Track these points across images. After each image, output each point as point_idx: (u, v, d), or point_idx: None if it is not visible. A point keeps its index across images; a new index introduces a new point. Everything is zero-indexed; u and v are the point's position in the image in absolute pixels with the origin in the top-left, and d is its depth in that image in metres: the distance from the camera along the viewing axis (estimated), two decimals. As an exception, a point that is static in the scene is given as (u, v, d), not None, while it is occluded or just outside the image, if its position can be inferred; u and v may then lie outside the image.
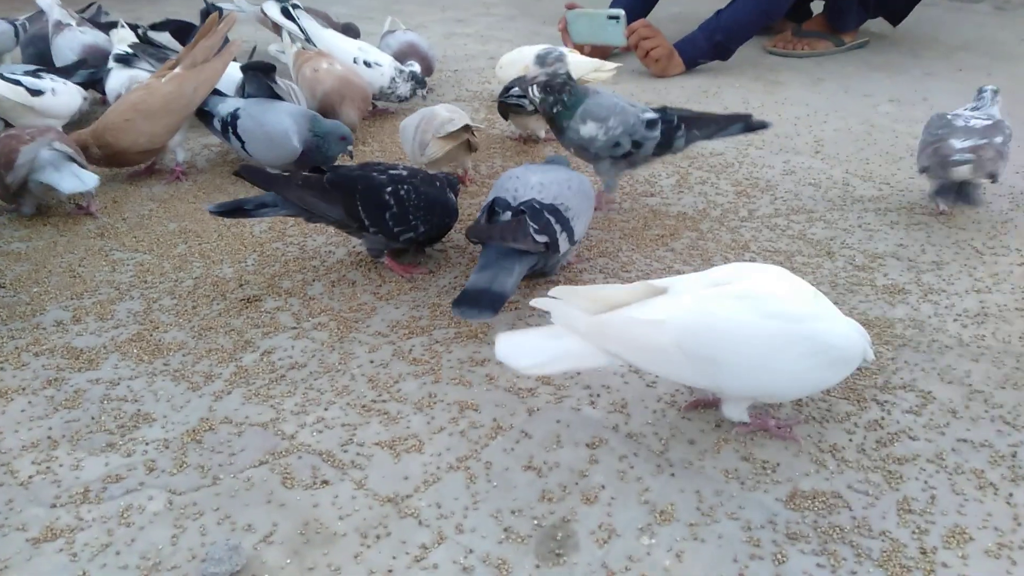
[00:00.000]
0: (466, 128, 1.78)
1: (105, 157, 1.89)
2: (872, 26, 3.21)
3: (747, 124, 1.68)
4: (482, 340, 1.30)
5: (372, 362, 1.25)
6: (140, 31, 2.68)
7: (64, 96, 2.15)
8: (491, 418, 1.11)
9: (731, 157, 2.10)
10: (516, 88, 2.09)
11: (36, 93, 2.08)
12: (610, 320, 0.95)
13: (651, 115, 1.65)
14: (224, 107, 1.92)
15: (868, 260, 1.52)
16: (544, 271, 1.45)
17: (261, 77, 1.91)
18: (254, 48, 2.87)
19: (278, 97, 1.97)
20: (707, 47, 2.92)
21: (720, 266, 1.04)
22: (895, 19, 3.16)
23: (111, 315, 1.38)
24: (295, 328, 1.35)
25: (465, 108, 2.33)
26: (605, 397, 1.14)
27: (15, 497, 0.98)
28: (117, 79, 2.21)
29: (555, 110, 1.61)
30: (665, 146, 1.65)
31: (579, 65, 2.50)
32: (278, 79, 2.00)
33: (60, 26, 2.56)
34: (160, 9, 4.15)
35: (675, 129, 1.64)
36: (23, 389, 1.18)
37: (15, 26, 2.86)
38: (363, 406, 1.14)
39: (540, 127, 2.21)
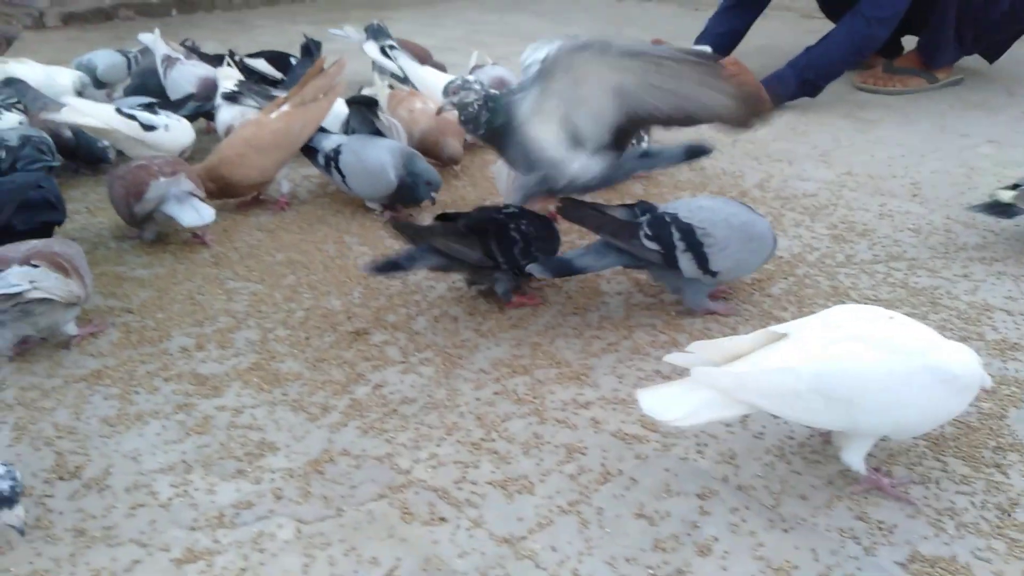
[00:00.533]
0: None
1: (218, 189, 2.00)
2: (966, 62, 3.14)
3: (687, 150, 1.64)
4: (584, 382, 1.33)
5: (478, 399, 1.29)
6: (237, 59, 2.84)
7: (176, 132, 2.28)
8: (599, 463, 1.13)
9: (825, 199, 2.08)
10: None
11: (149, 128, 2.22)
12: (745, 372, 1.00)
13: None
14: (328, 143, 2.02)
15: (976, 312, 1.49)
16: (684, 302, 1.49)
17: (365, 111, 1.99)
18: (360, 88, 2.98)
19: (379, 132, 2.05)
20: (795, 84, 2.91)
21: (831, 308, 1.09)
22: (992, 56, 3.08)
23: (231, 343, 1.46)
24: (403, 362, 1.40)
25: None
26: (713, 447, 1.15)
27: (157, 518, 1.05)
28: (227, 114, 2.34)
29: (482, 131, 1.49)
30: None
31: None
32: (381, 114, 2.08)
33: (171, 60, 2.71)
34: (253, 38, 4.35)
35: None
36: (156, 413, 1.26)
37: (128, 58, 3.05)
38: (473, 444, 1.18)
39: None
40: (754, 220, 1.46)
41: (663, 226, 1.38)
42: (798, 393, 0.97)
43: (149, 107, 2.41)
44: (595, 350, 1.42)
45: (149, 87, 2.75)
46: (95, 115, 2.09)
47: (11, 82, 2.43)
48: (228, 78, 2.54)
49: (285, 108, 2.04)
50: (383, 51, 2.49)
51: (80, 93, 2.79)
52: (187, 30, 4.76)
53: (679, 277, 1.43)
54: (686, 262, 1.38)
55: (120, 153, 2.30)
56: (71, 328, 1.43)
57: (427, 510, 1.05)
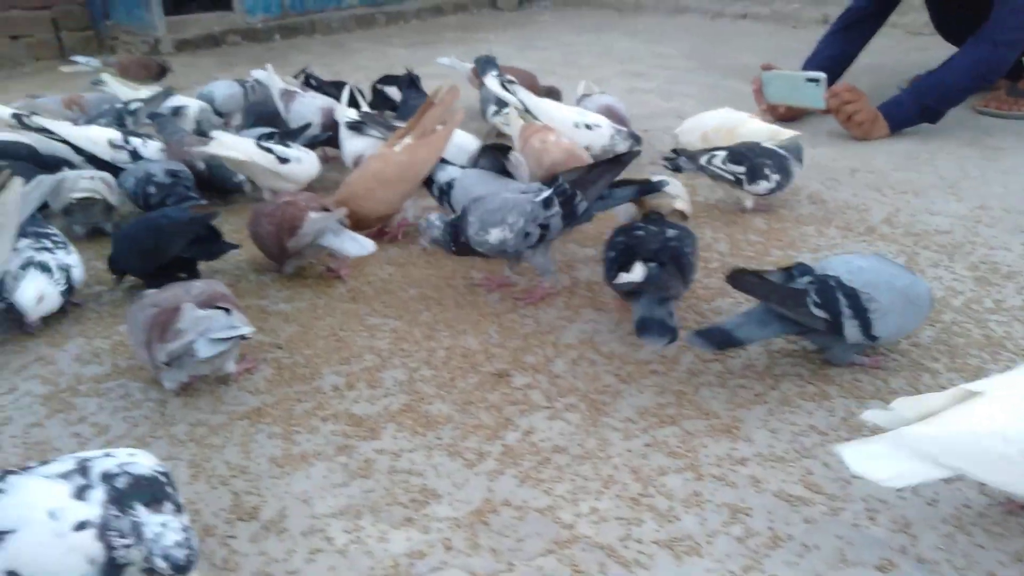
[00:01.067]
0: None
1: (348, 222, 2.06)
2: (1102, 85, 2.97)
3: (640, 187, 1.74)
4: (736, 436, 1.31)
5: (630, 451, 1.29)
6: (353, 86, 2.92)
7: (306, 164, 2.38)
8: (766, 525, 1.11)
9: (960, 236, 2.01)
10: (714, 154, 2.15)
11: (284, 161, 2.32)
12: (952, 436, 0.98)
13: (545, 194, 1.70)
14: (443, 175, 2.05)
15: None
16: (828, 358, 1.46)
17: (497, 156, 2.02)
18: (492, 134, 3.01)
19: (507, 172, 2.08)
20: (915, 111, 2.81)
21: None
22: None
23: (380, 383, 1.50)
24: (548, 408, 1.41)
25: (661, 173, 2.36)
26: (885, 513, 1.12)
27: (336, 565, 1.09)
28: (355, 145, 2.41)
29: (454, 248, 1.76)
30: (570, 218, 1.70)
31: (757, 131, 2.49)
32: (512, 155, 2.10)
33: (289, 94, 2.80)
34: (353, 61, 4.46)
35: (572, 198, 1.68)
36: (319, 454, 1.31)
37: (244, 87, 3.18)
38: (632, 499, 1.18)
39: (747, 197, 2.21)
40: (914, 282, 1.42)
41: (829, 292, 1.35)
42: (1010, 459, 0.93)
43: (270, 137, 2.52)
44: (742, 401, 1.40)
45: (265, 118, 2.87)
46: (239, 149, 2.20)
47: (155, 116, 2.58)
48: (346, 108, 2.60)
49: (407, 140, 2.09)
50: (503, 85, 2.52)
51: (199, 123, 2.93)
52: (291, 54, 4.95)
53: (839, 341, 1.39)
54: (852, 328, 1.35)
55: (254, 185, 2.40)
56: (231, 365, 1.50)
57: (597, 568, 1.06)
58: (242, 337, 1.39)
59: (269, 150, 2.30)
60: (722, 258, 1.96)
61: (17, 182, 1.72)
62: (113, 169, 2.36)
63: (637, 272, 1.47)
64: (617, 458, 1.27)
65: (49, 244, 1.69)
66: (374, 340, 1.65)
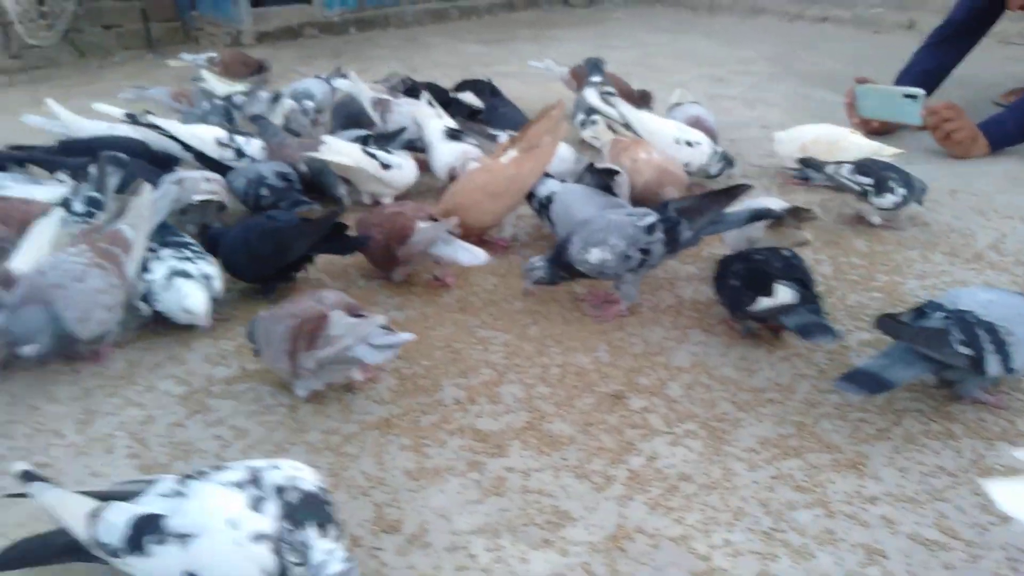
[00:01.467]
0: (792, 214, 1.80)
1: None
2: None
3: (753, 213, 1.71)
4: (863, 472, 1.32)
5: (756, 483, 1.31)
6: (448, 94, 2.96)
7: (406, 170, 2.43)
8: (905, 570, 1.13)
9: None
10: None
11: (387, 167, 2.37)
12: None
13: (650, 219, 1.71)
14: (544, 188, 2.08)
15: None
16: (958, 391, 1.46)
17: (604, 177, 2.04)
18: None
19: (609, 189, 2.09)
20: (1017, 130, 2.75)
21: None
22: None
23: (499, 399, 1.54)
24: (668, 433, 1.44)
25: (754, 184, 2.36)
26: (1027, 564, 1.12)
27: (482, 584, 1.13)
28: (449, 153, 2.45)
29: (558, 279, 1.80)
30: (673, 245, 1.72)
31: (859, 147, 2.46)
32: (617, 178, 2.11)
33: (384, 104, 2.83)
34: (429, 56, 4.46)
35: (676, 226, 1.69)
36: (451, 469, 1.36)
37: (328, 83, 3.24)
38: (764, 533, 1.20)
39: (872, 212, 2.20)
40: None
41: (970, 328, 1.34)
42: None
43: (366, 140, 2.58)
44: (865, 436, 1.40)
45: (353, 118, 2.92)
46: (348, 155, 2.26)
47: (255, 118, 2.66)
48: (438, 116, 2.62)
49: (514, 153, 2.12)
50: (603, 98, 2.53)
51: (288, 119, 3.00)
52: (366, 48, 5.02)
53: (975, 376, 1.39)
54: (993, 363, 1.34)
55: (351, 188, 2.46)
56: (356, 373, 1.55)
57: (741, 603, 1.08)
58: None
59: (373, 155, 2.36)
60: (826, 281, 1.95)
61: (147, 190, 1.80)
62: (219, 166, 2.45)
63: (785, 294, 1.50)
64: (744, 489, 1.29)
65: (189, 254, 1.76)
66: (488, 354, 1.69)
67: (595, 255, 1.70)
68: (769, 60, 4.39)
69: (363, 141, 2.55)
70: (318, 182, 2.47)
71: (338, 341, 1.39)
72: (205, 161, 2.49)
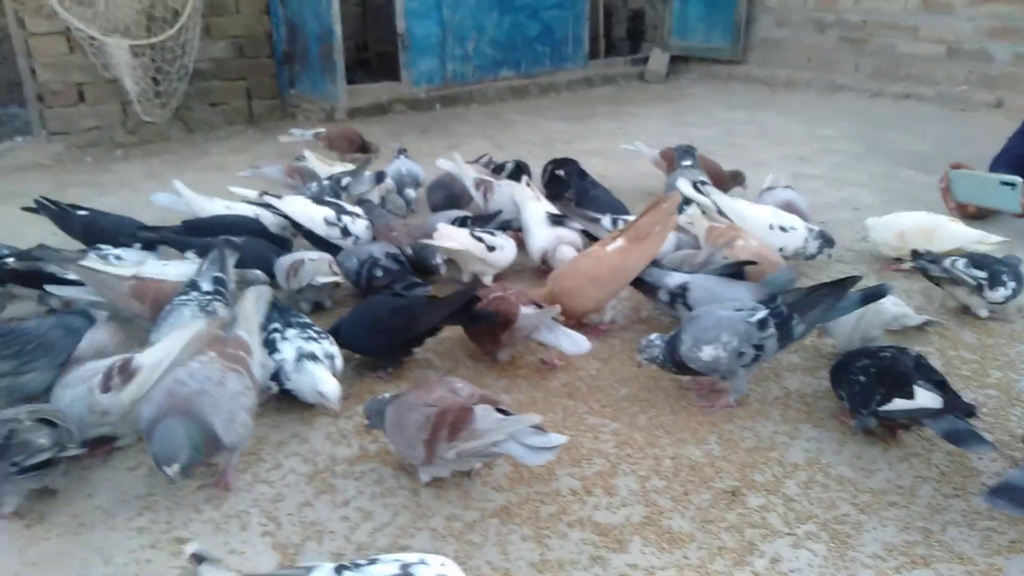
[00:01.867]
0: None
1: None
2: None
3: (863, 295, 1.72)
4: (1000, 587, 1.28)
5: (887, 592, 1.29)
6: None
7: (508, 250, 2.52)
8: None
9: None
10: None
11: (491, 249, 2.47)
12: None
13: (761, 315, 1.72)
14: (670, 280, 2.10)
15: None
16: None
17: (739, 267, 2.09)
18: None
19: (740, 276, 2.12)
20: None
21: None
22: None
23: (614, 490, 1.57)
24: (790, 535, 1.43)
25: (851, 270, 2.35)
26: None
27: None
28: (543, 238, 2.53)
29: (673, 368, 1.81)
30: (786, 340, 1.75)
31: (960, 235, 2.44)
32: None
33: (487, 184, 2.93)
34: (513, 133, 4.57)
35: (788, 320, 1.71)
36: (575, 563, 1.38)
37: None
38: (902, 648, 1.18)
39: (981, 305, 2.18)
40: None
41: None
42: None
43: (464, 222, 2.68)
44: (997, 547, 1.37)
45: (451, 200, 3.04)
46: (457, 239, 2.36)
47: (362, 201, 2.81)
48: (534, 199, 2.71)
49: (620, 242, 2.18)
50: (695, 187, 2.59)
51: (383, 197, 3.15)
52: (451, 124, 5.23)
53: None
54: None
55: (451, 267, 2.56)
56: (477, 463, 1.60)
57: None
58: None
59: (480, 239, 2.45)
60: (937, 376, 1.92)
61: (250, 296, 1.83)
62: (326, 245, 2.58)
63: (927, 397, 1.50)
64: (876, 600, 1.27)
65: (313, 334, 1.87)
66: (599, 443, 1.72)
67: (707, 353, 1.73)
68: (851, 139, 4.40)
69: (462, 222, 2.67)
70: (420, 261, 2.57)
71: (484, 435, 1.43)
72: (313, 239, 2.63)
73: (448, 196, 3.09)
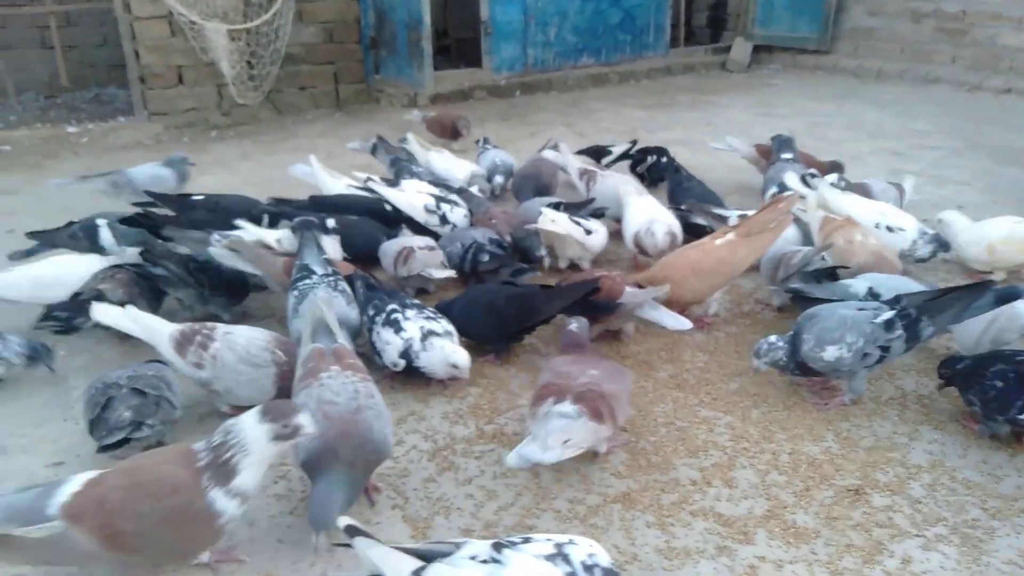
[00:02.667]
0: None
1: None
2: None
3: (997, 296, 1.66)
4: None
5: (1026, 600, 1.27)
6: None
7: (601, 235, 2.53)
8: None
9: None
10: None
11: (588, 233, 2.48)
12: None
13: (887, 315, 1.67)
14: (860, 283, 2.02)
15: None
16: None
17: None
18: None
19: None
20: None
21: None
22: None
23: (734, 482, 1.58)
24: (919, 536, 1.42)
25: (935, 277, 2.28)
26: None
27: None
28: (637, 219, 2.53)
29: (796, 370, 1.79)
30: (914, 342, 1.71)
31: None
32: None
33: (590, 174, 2.95)
34: (595, 122, 4.54)
35: (916, 322, 1.67)
36: (702, 552, 1.40)
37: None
38: (1047, 657, 1.17)
39: None
40: None
41: None
42: None
43: (555, 207, 2.70)
44: None
45: (540, 189, 3.06)
46: (561, 224, 2.39)
47: (461, 191, 2.86)
48: (635, 192, 2.71)
49: (730, 237, 2.17)
50: (803, 180, 2.55)
51: (468, 185, 3.18)
52: (532, 111, 5.24)
53: None
54: None
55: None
56: (602, 445, 1.63)
57: None
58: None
59: (578, 223, 2.47)
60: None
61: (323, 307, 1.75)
62: (424, 230, 2.64)
63: None
64: (1015, 606, 1.26)
65: (429, 314, 1.93)
66: (714, 435, 1.73)
67: (831, 353, 1.71)
68: (949, 134, 4.25)
69: (555, 208, 2.69)
70: (520, 247, 2.61)
71: None
72: (412, 224, 2.69)
73: (537, 185, 3.11)
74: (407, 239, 2.42)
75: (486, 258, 2.35)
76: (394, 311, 1.93)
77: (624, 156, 3.45)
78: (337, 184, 2.85)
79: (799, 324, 1.79)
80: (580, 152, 3.51)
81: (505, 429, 1.77)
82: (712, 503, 1.52)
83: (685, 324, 1.98)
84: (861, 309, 1.76)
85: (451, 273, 2.31)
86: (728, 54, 6.54)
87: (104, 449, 1.63)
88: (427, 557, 1.16)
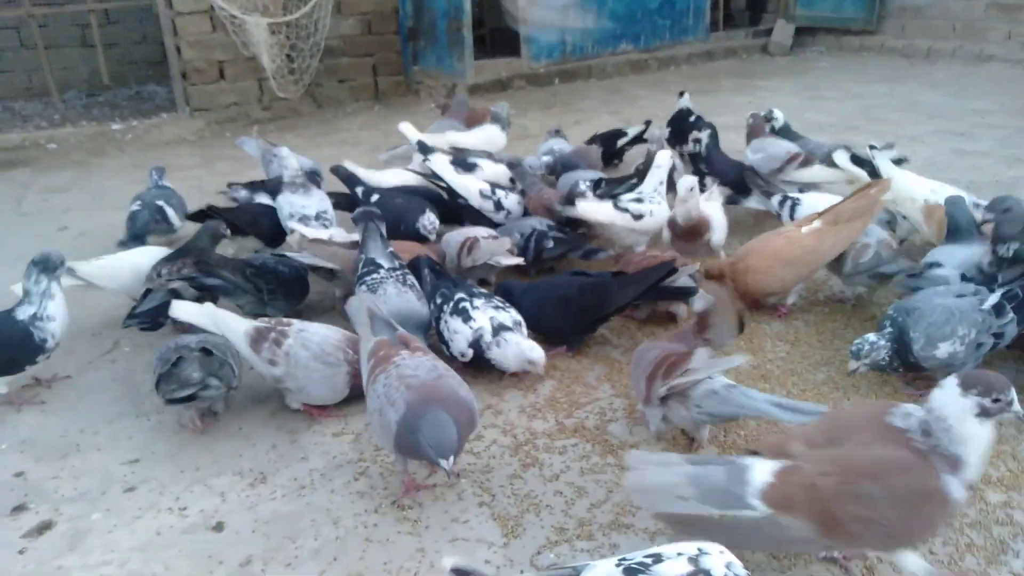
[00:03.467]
0: None
1: (735, 291, 2.09)
2: None
3: None
4: None
5: None
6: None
7: (658, 215, 2.42)
8: None
9: None
10: None
11: (638, 217, 2.40)
12: None
13: (994, 299, 1.59)
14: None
15: None
16: None
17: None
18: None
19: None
20: None
21: None
22: None
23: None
24: (1044, 534, 1.34)
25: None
26: None
27: None
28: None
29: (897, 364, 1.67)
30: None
31: None
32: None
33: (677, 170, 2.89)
34: (640, 108, 4.47)
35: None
36: (809, 555, 1.33)
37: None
38: None
39: None
40: None
41: None
42: None
43: (597, 185, 2.62)
44: None
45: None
46: (601, 212, 2.32)
47: (513, 165, 2.79)
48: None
49: (817, 224, 2.07)
50: (853, 159, 2.44)
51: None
52: (574, 99, 5.15)
53: None
54: None
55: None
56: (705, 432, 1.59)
57: None
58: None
59: (625, 209, 2.38)
60: None
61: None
62: (479, 216, 2.59)
63: None
64: None
65: (498, 303, 1.88)
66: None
67: (944, 350, 1.60)
68: (1012, 112, 4.10)
69: (596, 184, 2.62)
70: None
71: (694, 374, 1.49)
72: (467, 210, 2.63)
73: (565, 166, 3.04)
74: (469, 229, 2.37)
75: (551, 244, 2.28)
76: (462, 300, 1.87)
77: (638, 139, 3.34)
78: (384, 177, 2.82)
79: (898, 320, 1.66)
80: (596, 136, 3.46)
81: (586, 423, 1.71)
82: (815, 499, 1.45)
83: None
84: (960, 295, 1.66)
85: (519, 260, 2.25)
86: (770, 37, 6.40)
87: (171, 402, 1.66)
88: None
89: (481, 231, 2.35)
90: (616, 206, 2.40)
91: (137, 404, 1.87)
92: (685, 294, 1.93)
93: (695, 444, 1.59)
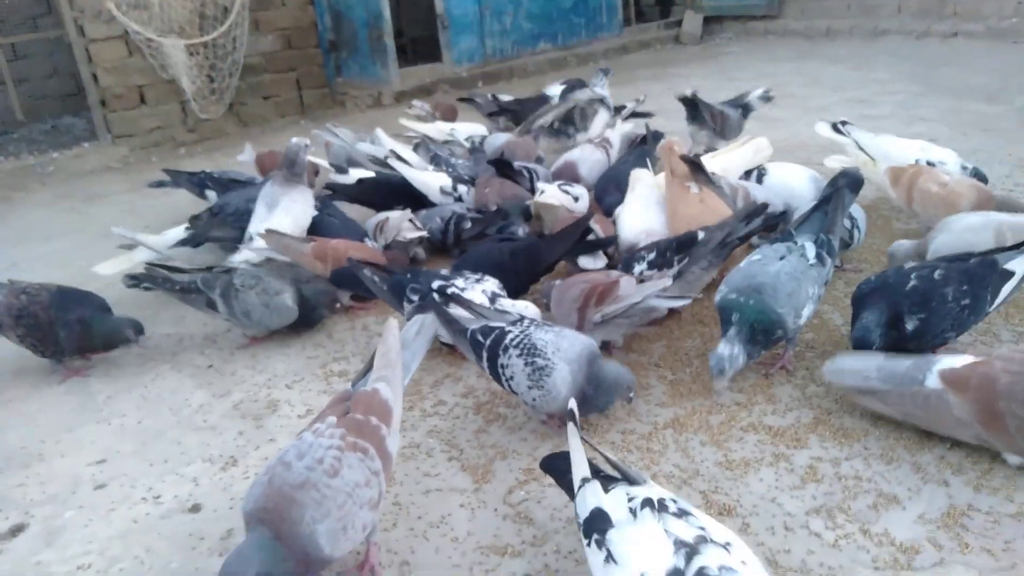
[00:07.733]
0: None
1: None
2: None
3: None
4: None
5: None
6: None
7: (584, 199, 2.54)
8: None
9: None
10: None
11: (576, 200, 2.51)
12: None
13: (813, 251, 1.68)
14: None
15: None
16: None
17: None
18: None
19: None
20: None
21: None
22: None
23: (776, 398, 1.62)
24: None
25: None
26: None
27: (827, 556, 1.20)
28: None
29: None
30: None
31: None
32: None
33: None
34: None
35: None
36: (759, 460, 1.44)
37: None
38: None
39: None
40: None
41: None
42: None
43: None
44: None
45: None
46: (554, 196, 2.43)
47: (475, 149, 2.90)
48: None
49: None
50: (835, 128, 2.57)
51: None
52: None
53: None
54: None
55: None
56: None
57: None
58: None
59: (567, 191, 2.50)
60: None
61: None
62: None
63: None
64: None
65: (475, 277, 1.93)
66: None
67: (804, 316, 1.62)
68: (908, 79, 4.39)
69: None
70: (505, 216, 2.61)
71: (625, 300, 1.67)
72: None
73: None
74: (383, 213, 2.48)
75: (468, 224, 2.39)
76: (445, 285, 1.85)
77: (637, 114, 3.51)
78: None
79: (749, 304, 1.58)
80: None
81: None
82: (759, 418, 1.56)
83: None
84: (782, 257, 1.67)
85: (423, 232, 2.38)
86: (680, 28, 6.66)
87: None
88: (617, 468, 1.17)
89: (394, 213, 2.43)
90: (560, 188, 2.51)
91: (96, 411, 1.87)
92: (602, 245, 2.08)
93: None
